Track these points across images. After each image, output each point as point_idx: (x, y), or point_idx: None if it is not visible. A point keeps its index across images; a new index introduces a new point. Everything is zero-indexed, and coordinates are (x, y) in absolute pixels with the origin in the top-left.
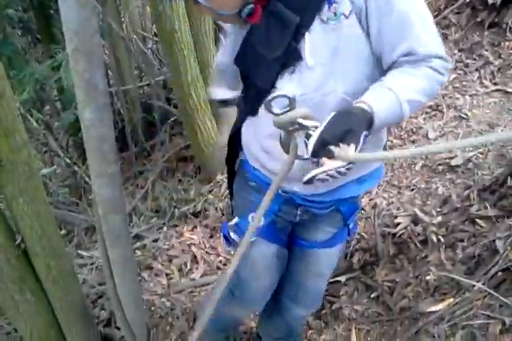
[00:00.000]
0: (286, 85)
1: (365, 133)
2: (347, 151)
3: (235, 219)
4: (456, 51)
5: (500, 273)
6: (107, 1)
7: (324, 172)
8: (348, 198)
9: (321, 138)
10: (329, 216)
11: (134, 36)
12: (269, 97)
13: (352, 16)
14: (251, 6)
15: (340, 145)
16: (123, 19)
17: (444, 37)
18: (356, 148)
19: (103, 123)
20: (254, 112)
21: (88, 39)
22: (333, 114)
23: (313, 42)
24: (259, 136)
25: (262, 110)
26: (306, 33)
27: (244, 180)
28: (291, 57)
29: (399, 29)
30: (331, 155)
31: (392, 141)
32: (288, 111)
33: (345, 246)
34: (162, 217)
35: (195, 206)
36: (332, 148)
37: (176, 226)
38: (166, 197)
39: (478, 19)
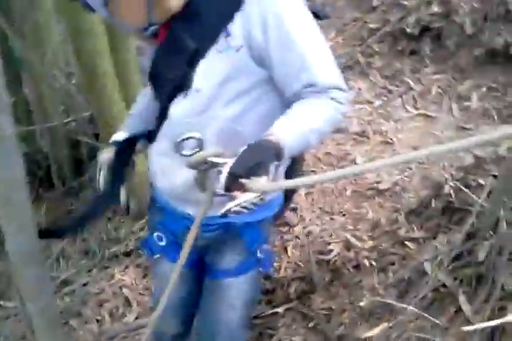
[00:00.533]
0: (177, 108)
1: (275, 164)
2: (258, 183)
3: (147, 236)
4: (379, 78)
5: (429, 294)
6: (26, 35)
7: (239, 204)
8: (244, 224)
9: (232, 173)
10: (231, 242)
11: (56, 72)
12: (178, 140)
13: (243, 50)
14: (155, 26)
15: (252, 177)
16: (45, 54)
17: (369, 65)
18: (268, 179)
19: (9, 168)
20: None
21: None
22: (243, 148)
23: (207, 68)
24: (156, 153)
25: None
26: (202, 60)
27: (153, 200)
28: (184, 83)
29: (298, 64)
30: (243, 188)
31: (322, 168)
32: (198, 151)
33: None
34: (91, 259)
35: (126, 245)
36: (244, 181)
37: (107, 267)
38: (95, 237)
39: (399, 47)
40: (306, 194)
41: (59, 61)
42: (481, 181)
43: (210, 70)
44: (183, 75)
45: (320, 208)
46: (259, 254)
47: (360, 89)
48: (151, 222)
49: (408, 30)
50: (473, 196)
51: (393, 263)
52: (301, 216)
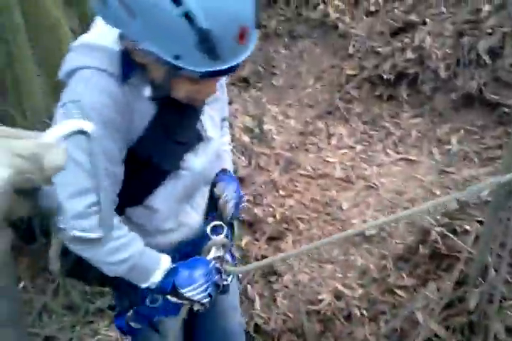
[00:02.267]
0: (196, 161)
1: None
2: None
3: (130, 310)
4: (359, 123)
5: None
6: (6, 88)
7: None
8: None
9: None
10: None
11: (39, 126)
12: (210, 227)
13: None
14: None
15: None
16: (27, 108)
17: (348, 111)
18: None
19: None
20: (143, 200)
21: None
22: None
23: (206, 120)
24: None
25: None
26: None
27: None
28: (197, 139)
29: (224, 105)
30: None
31: (309, 215)
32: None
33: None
34: (75, 314)
35: (110, 299)
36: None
37: (91, 322)
38: (78, 290)
39: (377, 93)
40: (294, 241)
41: (41, 115)
42: (467, 227)
43: (208, 121)
44: (194, 133)
45: (308, 256)
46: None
47: (341, 134)
48: (133, 291)
49: (384, 76)
50: (460, 242)
51: (384, 312)
52: (289, 264)
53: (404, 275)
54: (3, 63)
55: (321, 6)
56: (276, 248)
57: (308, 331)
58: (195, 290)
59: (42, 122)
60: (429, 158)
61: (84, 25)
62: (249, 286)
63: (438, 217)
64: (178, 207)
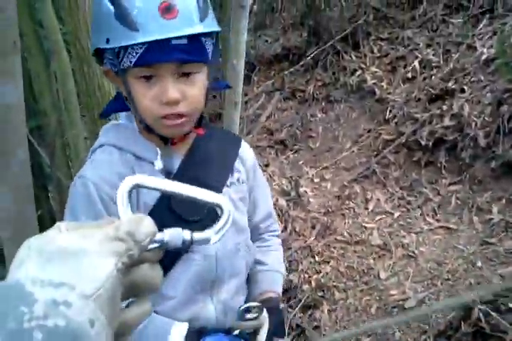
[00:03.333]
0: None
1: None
2: None
3: None
4: (397, 189)
5: None
6: (55, 153)
7: None
8: None
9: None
10: None
11: None
12: (242, 308)
13: (245, 184)
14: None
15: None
16: (72, 169)
17: (385, 175)
18: None
19: None
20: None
21: None
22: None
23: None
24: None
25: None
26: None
27: None
28: (210, 218)
29: (264, 198)
30: None
31: (345, 283)
32: (256, 317)
33: None
34: None
35: None
36: None
37: None
38: None
39: (415, 158)
40: (330, 311)
41: None
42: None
43: (230, 203)
44: (208, 212)
45: (345, 327)
46: None
47: (378, 199)
48: None
49: (422, 142)
50: (505, 322)
51: None
52: (324, 335)
53: None
54: (54, 127)
55: (359, 72)
56: (311, 317)
57: None
58: None
59: None
60: (470, 227)
61: None
62: None
63: (481, 293)
64: (194, 296)
